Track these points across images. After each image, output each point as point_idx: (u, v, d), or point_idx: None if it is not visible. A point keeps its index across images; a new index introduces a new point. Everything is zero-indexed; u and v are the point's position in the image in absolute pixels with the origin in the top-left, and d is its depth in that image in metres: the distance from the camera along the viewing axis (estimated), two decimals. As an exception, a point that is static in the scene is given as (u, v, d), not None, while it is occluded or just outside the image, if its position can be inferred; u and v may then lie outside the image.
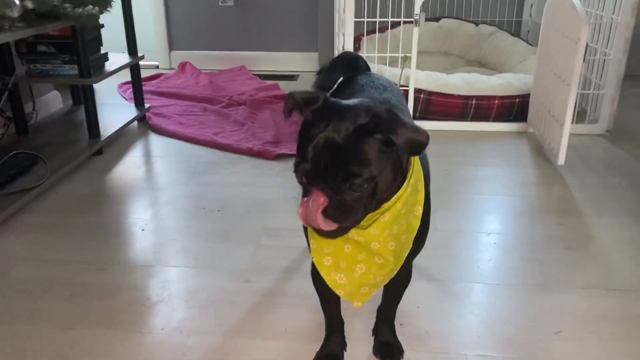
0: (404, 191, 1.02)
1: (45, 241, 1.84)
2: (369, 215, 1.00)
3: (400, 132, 0.89)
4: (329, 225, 0.94)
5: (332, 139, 0.91)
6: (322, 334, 1.34)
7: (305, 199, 0.94)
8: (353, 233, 1.02)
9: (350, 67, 1.44)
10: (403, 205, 1.02)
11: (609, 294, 1.57)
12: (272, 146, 2.58)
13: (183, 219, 2.00)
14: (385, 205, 1.00)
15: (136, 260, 1.74)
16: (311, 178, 0.93)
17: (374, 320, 1.38)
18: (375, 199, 0.96)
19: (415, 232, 1.09)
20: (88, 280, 1.64)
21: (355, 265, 1.07)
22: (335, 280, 1.09)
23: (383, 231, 1.02)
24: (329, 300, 1.29)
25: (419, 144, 0.91)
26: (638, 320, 1.46)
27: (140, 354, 1.35)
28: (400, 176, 1.00)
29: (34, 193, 2.04)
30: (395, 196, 1.01)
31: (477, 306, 1.52)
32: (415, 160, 1.06)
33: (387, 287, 1.22)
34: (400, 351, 1.36)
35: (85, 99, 2.48)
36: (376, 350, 1.36)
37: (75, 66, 2.43)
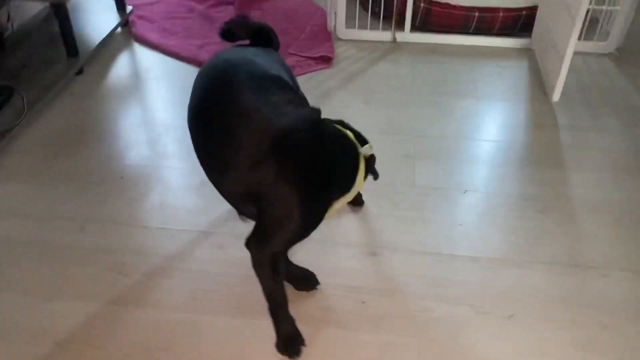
0: None
1: (23, 191, 1.77)
2: None
3: None
4: None
5: None
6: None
7: None
8: None
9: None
10: None
11: (571, 271, 1.54)
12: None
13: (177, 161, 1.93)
14: None
15: (117, 217, 1.70)
16: None
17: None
18: None
19: None
20: (67, 242, 1.60)
21: None
22: None
23: None
24: (278, 289, 1.30)
25: None
26: (591, 303, 1.45)
27: (136, 330, 1.37)
28: None
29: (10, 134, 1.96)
30: None
31: (441, 283, 1.49)
32: None
33: None
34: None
35: (57, 14, 2.32)
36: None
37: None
